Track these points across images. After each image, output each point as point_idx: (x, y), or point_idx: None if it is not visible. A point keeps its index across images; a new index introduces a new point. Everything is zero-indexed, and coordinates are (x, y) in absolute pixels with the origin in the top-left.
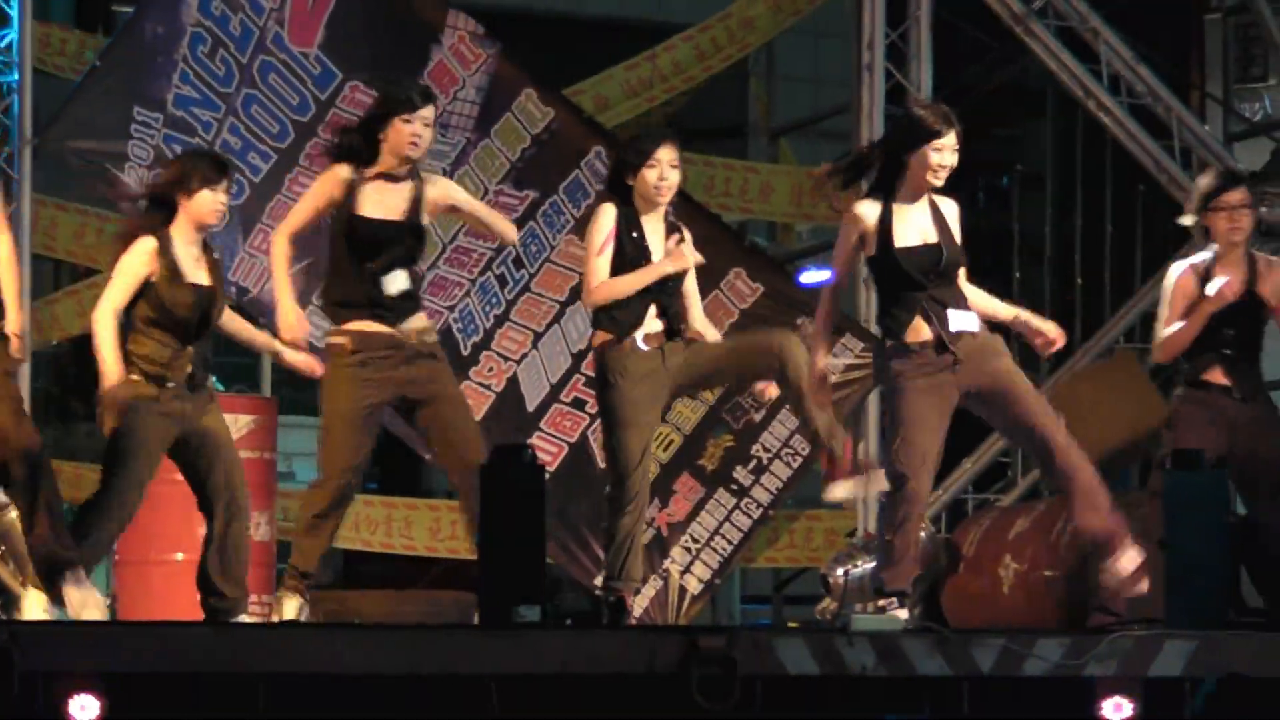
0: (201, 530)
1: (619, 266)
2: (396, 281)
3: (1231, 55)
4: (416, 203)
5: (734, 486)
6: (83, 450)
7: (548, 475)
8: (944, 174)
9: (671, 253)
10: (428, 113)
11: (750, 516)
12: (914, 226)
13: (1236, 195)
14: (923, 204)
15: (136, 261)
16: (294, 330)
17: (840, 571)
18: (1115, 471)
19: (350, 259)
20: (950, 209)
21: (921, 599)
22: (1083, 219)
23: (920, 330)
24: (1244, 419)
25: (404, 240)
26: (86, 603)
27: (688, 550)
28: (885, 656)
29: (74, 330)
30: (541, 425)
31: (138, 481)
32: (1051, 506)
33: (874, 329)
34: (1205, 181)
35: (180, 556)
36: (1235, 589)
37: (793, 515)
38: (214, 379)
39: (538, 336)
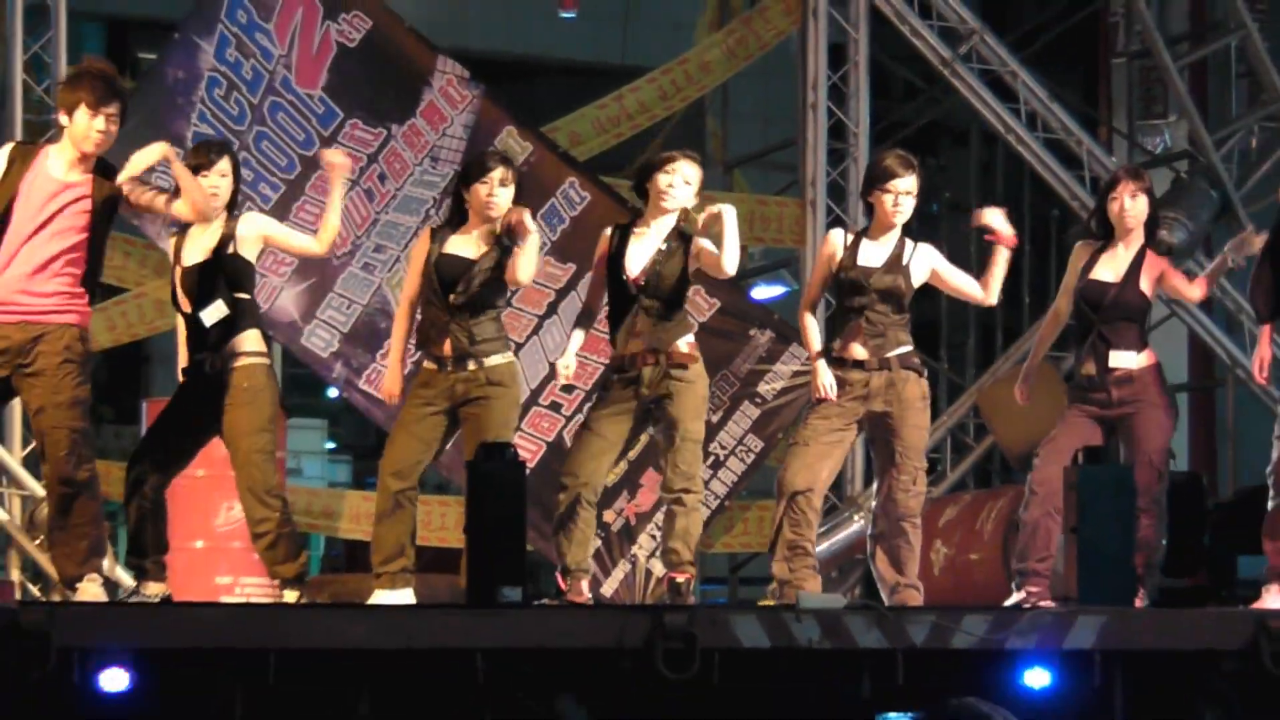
0: (217, 520)
1: (611, 275)
2: (210, 314)
3: (1135, 95)
4: (227, 240)
5: None
6: (111, 450)
7: (527, 471)
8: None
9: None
10: (224, 165)
11: (708, 507)
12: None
13: (905, 181)
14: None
15: None
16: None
17: None
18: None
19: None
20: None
21: (861, 580)
22: None
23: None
24: (876, 387)
25: (212, 276)
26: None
27: (653, 538)
28: (829, 631)
29: (104, 344)
30: (522, 426)
31: None
32: (976, 498)
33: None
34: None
35: (200, 544)
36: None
37: (746, 505)
38: None
39: (519, 348)
